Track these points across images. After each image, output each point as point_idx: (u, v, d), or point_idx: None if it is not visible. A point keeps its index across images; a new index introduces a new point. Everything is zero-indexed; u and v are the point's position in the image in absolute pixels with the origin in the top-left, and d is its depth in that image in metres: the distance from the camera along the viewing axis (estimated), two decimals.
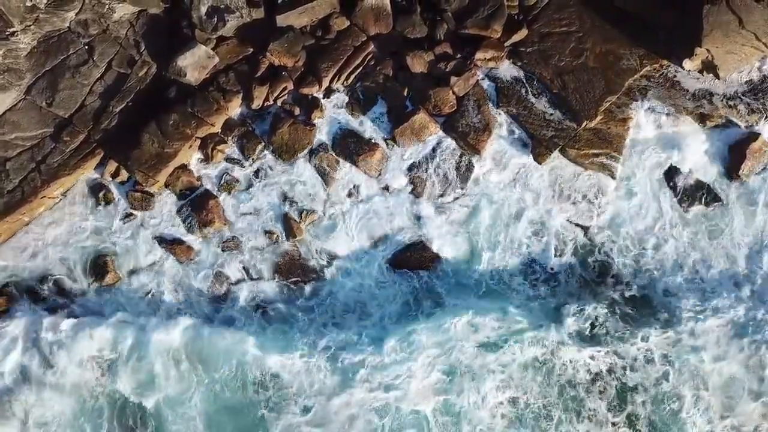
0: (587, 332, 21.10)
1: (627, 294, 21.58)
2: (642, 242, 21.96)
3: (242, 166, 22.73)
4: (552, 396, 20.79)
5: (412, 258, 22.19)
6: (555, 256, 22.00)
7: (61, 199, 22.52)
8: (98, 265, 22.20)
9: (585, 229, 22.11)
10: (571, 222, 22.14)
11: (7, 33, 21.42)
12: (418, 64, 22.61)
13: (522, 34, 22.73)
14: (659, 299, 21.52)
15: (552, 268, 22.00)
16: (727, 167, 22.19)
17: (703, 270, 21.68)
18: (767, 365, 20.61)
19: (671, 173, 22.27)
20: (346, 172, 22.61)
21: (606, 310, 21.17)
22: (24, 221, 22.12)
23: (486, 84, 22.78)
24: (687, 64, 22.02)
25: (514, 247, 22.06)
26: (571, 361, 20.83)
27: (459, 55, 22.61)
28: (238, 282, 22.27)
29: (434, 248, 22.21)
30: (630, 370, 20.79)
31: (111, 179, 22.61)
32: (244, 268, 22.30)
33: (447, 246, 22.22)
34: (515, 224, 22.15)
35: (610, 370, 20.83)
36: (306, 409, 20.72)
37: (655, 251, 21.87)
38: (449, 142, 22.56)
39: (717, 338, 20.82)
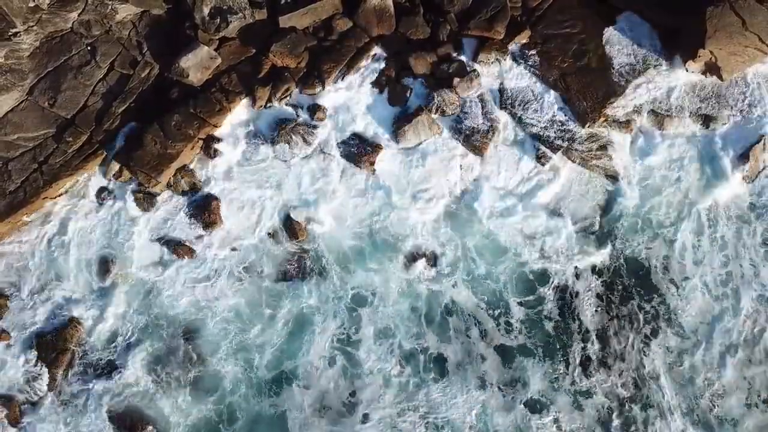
0: None
1: None
2: None
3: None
4: None
5: None
6: None
7: None
8: None
9: None
10: None
11: (9, 33, 21.41)
12: (420, 65, 22.59)
13: (525, 35, 22.73)
14: None
15: None
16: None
17: None
18: None
19: None
20: None
21: None
22: (27, 222, 22.07)
23: (489, 85, 22.79)
24: (690, 65, 22.00)
25: None
26: None
27: (462, 57, 22.62)
28: None
29: None
30: None
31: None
32: None
33: None
34: None
35: None
36: None
37: None
38: None
39: None
